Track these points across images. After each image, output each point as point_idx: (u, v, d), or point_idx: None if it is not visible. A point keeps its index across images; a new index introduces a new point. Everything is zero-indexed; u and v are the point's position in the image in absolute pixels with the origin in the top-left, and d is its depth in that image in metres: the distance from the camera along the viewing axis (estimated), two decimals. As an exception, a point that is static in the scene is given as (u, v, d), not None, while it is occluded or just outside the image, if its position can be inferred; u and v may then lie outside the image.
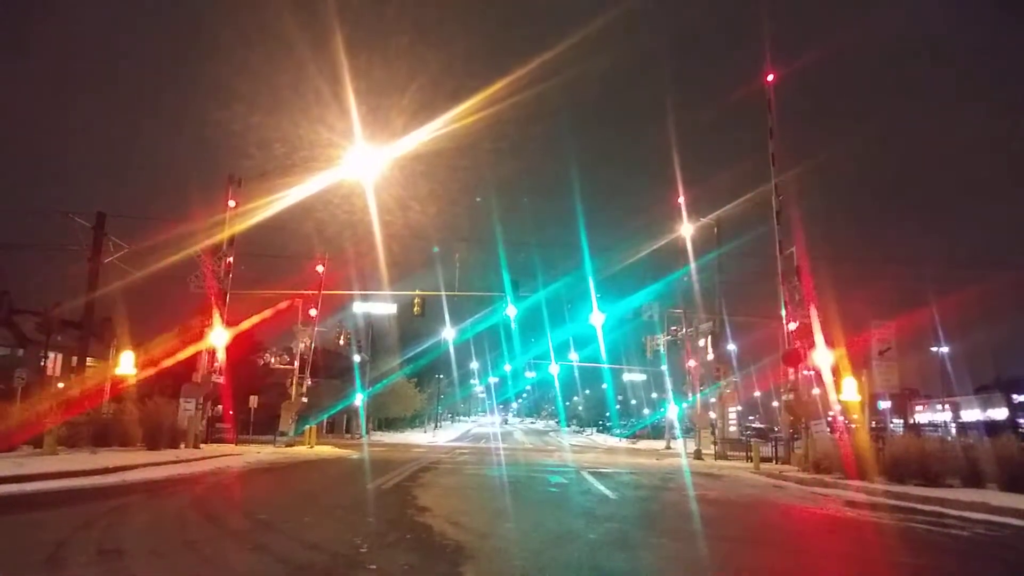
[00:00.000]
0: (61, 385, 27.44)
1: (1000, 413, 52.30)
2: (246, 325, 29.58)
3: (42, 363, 39.81)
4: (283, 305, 32.54)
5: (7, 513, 8.77)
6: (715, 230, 30.26)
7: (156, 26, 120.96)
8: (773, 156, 23.36)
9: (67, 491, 10.87)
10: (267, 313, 31.49)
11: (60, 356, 44.53)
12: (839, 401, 20.49)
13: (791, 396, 22.97)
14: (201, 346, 24.67)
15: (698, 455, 29.78)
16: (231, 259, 25.83)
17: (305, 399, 32.35)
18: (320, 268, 32.62)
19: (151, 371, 27.03)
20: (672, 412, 43.50)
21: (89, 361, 28.38)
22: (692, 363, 34.38)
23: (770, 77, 24.25)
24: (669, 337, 37.56)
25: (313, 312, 33.33)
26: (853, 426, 20.15)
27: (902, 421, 42.66)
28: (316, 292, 33.03)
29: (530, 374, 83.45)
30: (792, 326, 22.84)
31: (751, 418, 48.30)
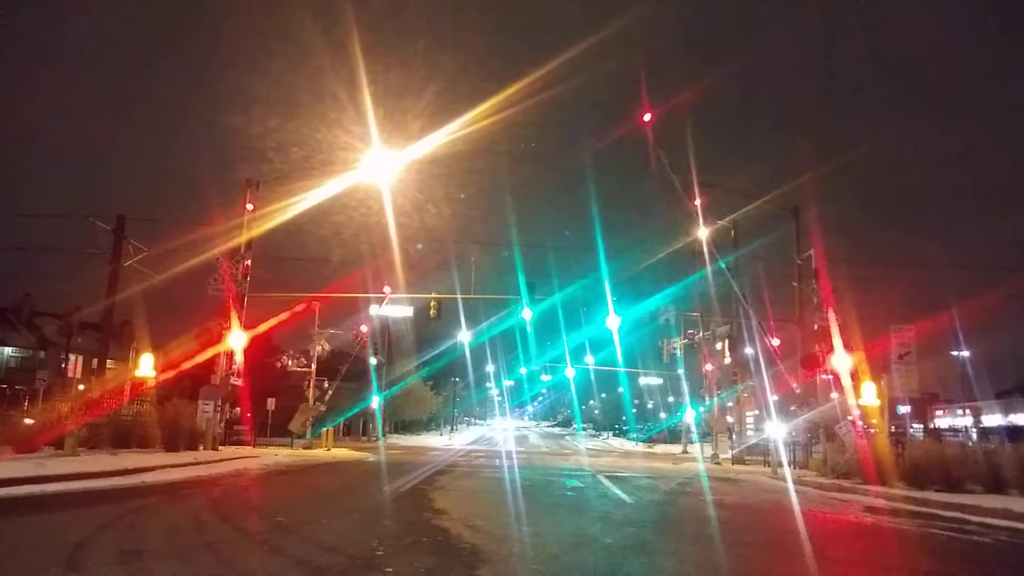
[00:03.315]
0: (82, 387, 27.71)
1: (1022, 418, 51.67)
2: (264, 328, 29.66)
3: (63, 365, 40.25)
4: (300, 307, 32.64)
5: (29, 514, 8.87)
6: (732, 233, 30.08)
7: (177, 32, 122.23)
8: (688, 187, 23.00)
9: (87, 492, 10.97)
10: (284, 316, 31.54)
11: (80, 358, 45.00)
12: (858, 406, 20.31)
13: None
14: (219, 349, 24.81)
15: (715, 459, 29.64)
16: (249, 262, 25.97)
17: (324, 408, 32.52)
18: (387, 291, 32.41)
19: (170, 373, 27.22)
20: (689, 416, 43.28)
21: (109, 363, 28.69)
22: (709, 367, 34.23)
23: (647, 117, 23.66)
24: (686, 341, 37.39)
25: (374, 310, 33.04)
26: (872, 431, 19.96)
27: (922, 426, 42.19)
28: (335, 295, 33.14)
29: (546, 377, 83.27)
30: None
31: (769, 422, 47.93)
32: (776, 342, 23.41)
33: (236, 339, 24.89)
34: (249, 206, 25.53)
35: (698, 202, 29.58)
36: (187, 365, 27.23)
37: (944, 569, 7.31)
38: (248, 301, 26.28)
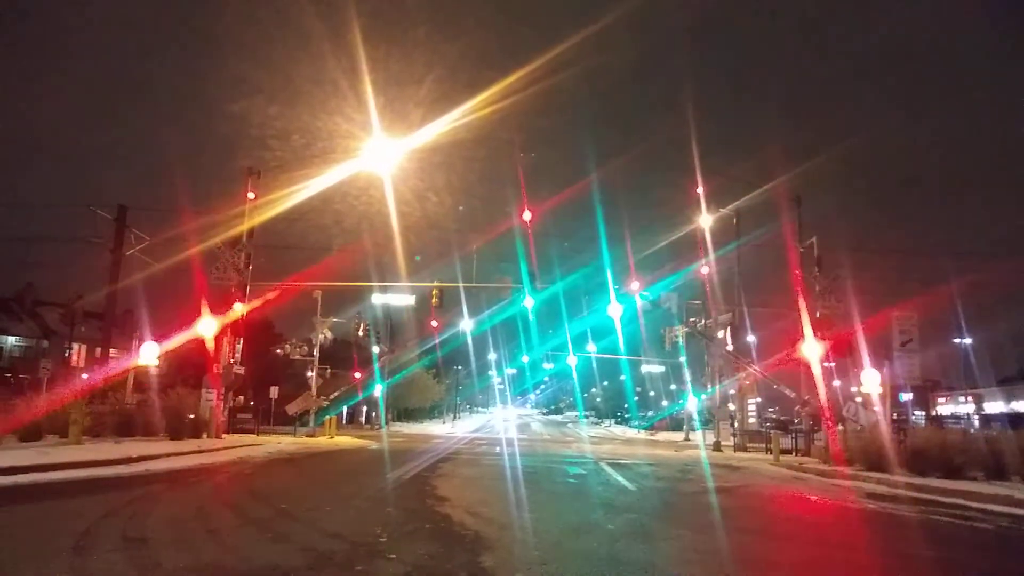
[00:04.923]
0: (85, 376, 27.80)
1: (1024, 405, 51.73)
2: (259, 302, 29.38)
3: (66, 354, 40.41)
4: (285, 288, 32.33)
5: (34, 501, 8.91)
6: (735, 221, 30.07)
7: (177, 21, 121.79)
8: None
9: (92, 480, 11.03)
10: (271, 295, 31.17)
11: (84, 347, 45.17)
12: (859, 394, 20.35)
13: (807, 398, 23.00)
14: (222, 337, 24.87)
15: (717, 447, 29.67)
16: (250, 251, 25.95)
17: (326, 402, 32.63)
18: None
19: (173, 362, 27.30)
20: (691, 404, 43.33)
21: (112, 352, 28.75)
22: (709, 355, 34.23)
23: (526, 215, 25.17)
24: (688, 328, 37.35)
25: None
26: (874, 418, 20.00)
27: (924, 413, 42.24)
28: (337, 284, 33.10)
29: (548, 365, 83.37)
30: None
31: (771, 409, 48.05)
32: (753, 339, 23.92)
33: (238, 327, 24.92)
34: (251, 195, 25.50)
35: (700, 190, 29.62)
36: (190, 354, 27.31)
37: (944, 555, 7.34)
38: (250, 289, 26.30)
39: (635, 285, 31.39)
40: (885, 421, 19.96)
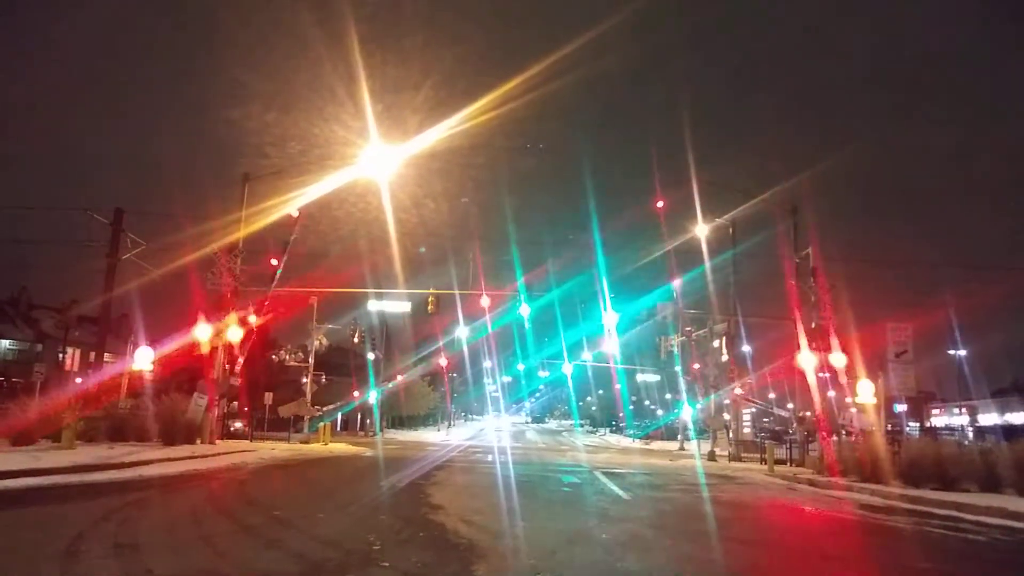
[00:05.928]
0: (79, 380, 27.70)
1: (1018, 417, 51.87)
2: (259, 321, 29.62)
3: (60, 358, 40.27)
4: (313, 300, 32.50)
5: (25, 506, 8.86)
6: (730, 230, 30.10)
7: (174, 26, 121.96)
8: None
9: (84, 485, 10.98)
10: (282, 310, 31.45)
11: (78, 352, 45.07)
12: (855, 404, 20.36)
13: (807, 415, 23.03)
14: (217, 343, 24.78)
15: (712, 456, 29.64)
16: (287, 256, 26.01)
17: (320, 412, 32.64)
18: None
19: (167, 367, 27.22)
20: (686, 413, 43.30)
21: (106, 357, 28.63)
22: (696, 366, 34.28)
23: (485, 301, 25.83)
24: (683, 338, 37.39)
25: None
26: (869, 429, 20.01)
27: (918, 424, 42.28)
28: (335, 290, 33.09)
29: (543, 373, 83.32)
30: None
31: (765, 420, 48.07)
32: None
33: (234, 334, 24.83)
34: (295, 211, 25.45)
35: (696, 198, 29.69)
36: (185, 360, 27.22)
37: (938, 567, 7.34)
38: (245, 294, 26.21)
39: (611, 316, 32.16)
40: (880, 432, 19.96)
